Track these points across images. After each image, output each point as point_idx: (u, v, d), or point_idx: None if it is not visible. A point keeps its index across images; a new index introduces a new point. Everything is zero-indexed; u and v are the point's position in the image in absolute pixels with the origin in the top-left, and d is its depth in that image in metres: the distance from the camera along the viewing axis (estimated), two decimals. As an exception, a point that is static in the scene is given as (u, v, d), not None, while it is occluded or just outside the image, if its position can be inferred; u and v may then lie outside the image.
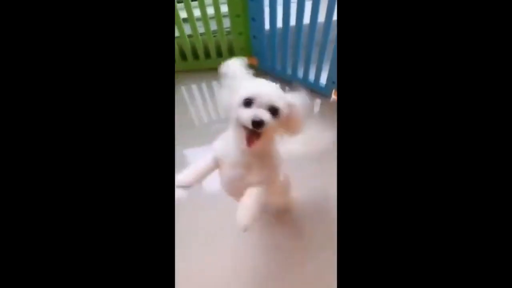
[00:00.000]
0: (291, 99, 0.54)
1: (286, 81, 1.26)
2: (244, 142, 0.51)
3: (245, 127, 0.50)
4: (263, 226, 0.88)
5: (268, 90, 0.51)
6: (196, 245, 0.84)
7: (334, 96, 1.21)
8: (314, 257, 0.81)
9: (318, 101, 1.24)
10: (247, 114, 0.49)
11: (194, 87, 1.39)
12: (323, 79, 1.19)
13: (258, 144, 0.51)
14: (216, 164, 0.60)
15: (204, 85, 1.39)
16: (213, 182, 0.62)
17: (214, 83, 1.39)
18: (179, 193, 0.49)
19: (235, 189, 0.61)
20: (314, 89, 1.22)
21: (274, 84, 0.53)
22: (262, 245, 0.85)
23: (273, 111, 0.50)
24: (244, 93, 0.50)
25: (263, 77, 0.53)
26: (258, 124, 0.48)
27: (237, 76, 0.54)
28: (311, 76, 1.21)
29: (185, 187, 0.55)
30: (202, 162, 0.59)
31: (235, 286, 0.77)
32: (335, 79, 1.14)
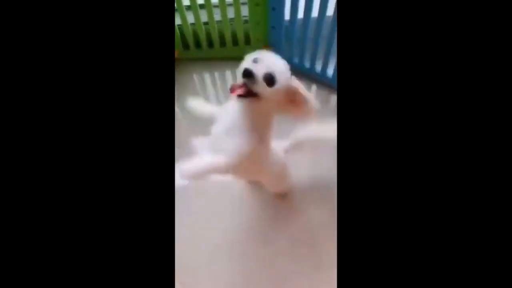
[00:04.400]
0: (294, 82, 0.54)
1: (303, 74, 1.23)
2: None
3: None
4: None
5: (274, 58, 0.53)
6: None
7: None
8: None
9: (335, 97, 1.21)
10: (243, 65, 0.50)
11: (206, 75, 1.35)
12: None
13: (241, 92, 0.50)
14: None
15: (216, 74, 1.35)
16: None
17: (227, 72, 1.36)
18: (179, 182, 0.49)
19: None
20: (333, 85, 1.20)
21: (283, 61, 0.54)
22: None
23: (270, 78, 0.50)
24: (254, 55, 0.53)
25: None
26: (247, 74, 0.48)
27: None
28: (330, 71, 1.18)
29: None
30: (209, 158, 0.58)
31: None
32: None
